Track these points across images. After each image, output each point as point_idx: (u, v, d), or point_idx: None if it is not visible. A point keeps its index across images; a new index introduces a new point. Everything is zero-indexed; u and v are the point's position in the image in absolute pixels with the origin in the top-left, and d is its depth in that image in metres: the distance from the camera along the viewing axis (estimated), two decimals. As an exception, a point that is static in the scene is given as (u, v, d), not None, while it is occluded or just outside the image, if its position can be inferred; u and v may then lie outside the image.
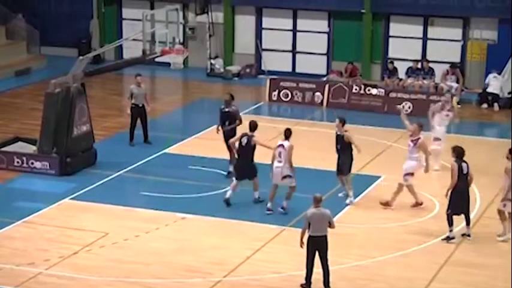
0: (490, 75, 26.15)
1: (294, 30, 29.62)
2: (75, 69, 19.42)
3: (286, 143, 16.68)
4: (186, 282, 13.68)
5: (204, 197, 17.57)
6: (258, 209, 16.88)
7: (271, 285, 13.63)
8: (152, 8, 29.02)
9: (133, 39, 21.79)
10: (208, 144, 21.47)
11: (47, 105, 19.23)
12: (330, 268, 13.87)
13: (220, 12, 30.05)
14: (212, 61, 29.83)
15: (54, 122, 19.06)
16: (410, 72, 26.98)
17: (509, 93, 26.10)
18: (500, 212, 15.65)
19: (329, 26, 29.22)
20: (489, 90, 25.83)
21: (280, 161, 16.58)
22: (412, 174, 16.83)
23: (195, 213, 16.60)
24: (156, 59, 20.38)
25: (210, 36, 29.99)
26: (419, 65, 27.14)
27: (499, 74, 26.28)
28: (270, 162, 16.72)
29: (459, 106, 25.01)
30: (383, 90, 25.43)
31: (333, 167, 19.00)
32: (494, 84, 25.88)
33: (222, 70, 29.63)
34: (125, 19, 31.24)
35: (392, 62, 27.45)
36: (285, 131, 16.90)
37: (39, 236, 15.54)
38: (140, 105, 21.21)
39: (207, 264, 14.30)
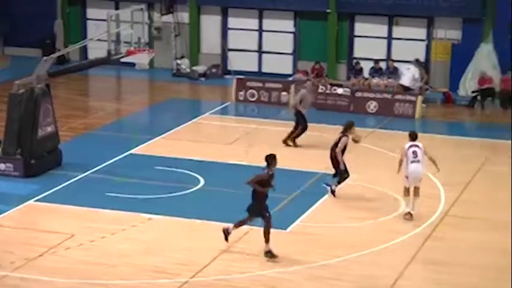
0: (404, 66, 26.27)
1: (260, 30, 29.65)
2: (39, 70, 19.23)
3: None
4: (153, 283, 13.60)
5: (171, 198, 17.50)
6: (224, 209, 16.84)
7: (239, 285, 13.61)
8: (117, 8, 28.85)
9: (98, 40, 21.62)
10: (175, 144, 21.41)
11: (10, 106, 19.00)
12: (299, 267, 13.92)
13: (185, 12, 29.99)
14: (178, 61, 29.75)
15: (18, 123, 18.83)
16: (372, 72, 27.24)
17: (472, 92, 26.38)
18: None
19: (295, 25, 29.30)
20: (400, 82, 25.84)
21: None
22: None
23: (161, 214, 16.51)
24: (122, 60, 20.25)
25: (175, 36, 29.91)
26: (380, 65, 27.40)
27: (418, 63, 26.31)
28: None
29: (424, 106, 25.24)
30: (349, 90, 25.56)
31: (300, 166, 19.13)
32: (406, 75, 25.82)
33: (188, 70, 29.56)
34: (89, 19, 31.03)
35: (358, 63, 27.68)
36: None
37: (4, 238, 15.34)
38: None
39: (174, 265, 14.24)
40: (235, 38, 29.87)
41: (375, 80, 27.00)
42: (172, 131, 22.56)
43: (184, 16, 30.04)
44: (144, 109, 26.23)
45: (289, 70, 29.14)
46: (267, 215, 14.49)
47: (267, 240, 14.41)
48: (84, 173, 18.95)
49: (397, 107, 24.89)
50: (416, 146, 16.38)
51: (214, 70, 29.58)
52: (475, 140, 22.43)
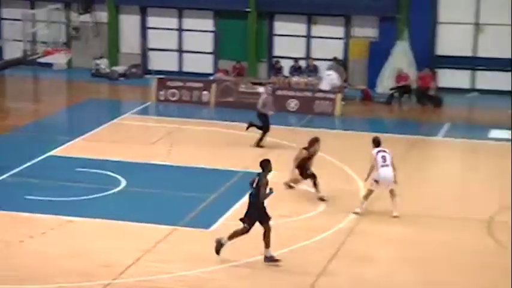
0: (325, 72, 26.73)
1: (180, 30, 29.56)
2: (-48, 71, 18.72)
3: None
4: (75, 286, 13.39)
5: (92, 199, 17.27)
6: (146, 210, 16.73)
7: (163, 285, 13.53)
8: (33, 7, 28.28)
9: (14, 40, 21.19)
10: (96, 145, 21.15)
11: None
12: (222, 266, 13.92)
13: (104, 11, 29.65)
14: (97, 61, 29.40)
15: None
16: (292, 70, 27.55)
17: (390, 89, 26.88)
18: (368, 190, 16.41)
19: (215, 25, 29.31)
20: (320, 86, 26.15)
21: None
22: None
23: (82, 216, 16.27)
24: (38, 60, 19.90)
25: (94, 36, 29.55)
26: (300, 64, 27.73)
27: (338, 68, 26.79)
28: None
29: (343, 103, 25.61)
30: (270, 89, 25.67)
31: (222, 165, 19.12)
32: (326, 80, 26.20)
33: (107, 70, 29.25)
34: (4, 19, 30.34)
35: (278, 61, 27.95)
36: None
37: None
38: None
39: (95, 267, 14.04)
40: (155, 37, 29.70)
41: (295, 79, 27.27)
42: (92, 131, 22.27)
43: (102, 16, 29.70)
44: (63, 110, 25.82)
45: (209, 69, 29.14)
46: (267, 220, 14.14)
47: (267, 245, 14.11)
48: (1, 176, 18.51)
49: (317, 105, 25.19)
50: (384, 151, 16.61)
51: (134, 70, 29.35)
52: (393, 136, 22.86)
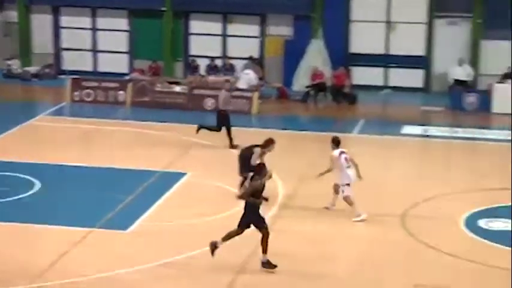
0: (243, 71, 26.99)
1: (94, 29, 29.22)
2: None
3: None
4: (-11, 293, 13.11)
5: (5, 203, 16.88)
6: (62, 212, 16.46)
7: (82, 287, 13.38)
8: None
9: None
10: (8, 147, 20.71)
11: None
12: (140, 267, 13.84)
13: (14, 11, 29.06)
14: (8, 62, 28.80)
15: None
16: (209, 69, 27.60)
17: (306, 87, 27.20)
18: (346, 198, 16.33)
19: (129, 24, 29.08)
20: (237, 85, 26.27)
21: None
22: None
23: (-7, 221, 15.91)
24: None
25: (4, 35, 28.94)
26: (216, 62, 27.81)
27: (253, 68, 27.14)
28: None
29: (260, 101, 25.79)
30: (186, 88, 25.70)
31: (138, 166, 18.98)
32: (243, 79, 26.46)
33: (19, 71, 28.69)
34: None
35: (194, 60, 27.96)
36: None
37: None
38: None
39: (11, 272, 13.74)
40: (68, 37, 29.27)
41: (212, 77, 27.30)
42: (4, 133, 21.81)
43: (12, 15, 29.11)
44: (-27, 112, 25.18)
45: (125, 69, 28.91)
46: (264, 226, 13.91)
47: (264, 250, 13.91)
48: None
49: (234, 103, 25.21)
50: (344, 152, 16.51)
51: (47, 70, 28.88)
52: (309, 133, 23.17)
